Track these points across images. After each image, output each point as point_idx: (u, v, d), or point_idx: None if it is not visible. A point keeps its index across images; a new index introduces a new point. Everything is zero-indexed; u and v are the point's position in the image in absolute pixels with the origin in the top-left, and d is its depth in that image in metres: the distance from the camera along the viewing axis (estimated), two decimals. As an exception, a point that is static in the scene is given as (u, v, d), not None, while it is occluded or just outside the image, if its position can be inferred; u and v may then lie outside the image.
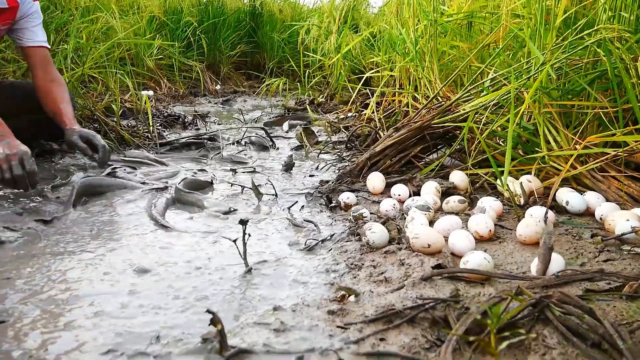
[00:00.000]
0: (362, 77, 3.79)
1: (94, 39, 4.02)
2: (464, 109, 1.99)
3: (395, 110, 3.12)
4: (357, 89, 3.78)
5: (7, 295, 1.18)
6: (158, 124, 3.43)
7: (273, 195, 1.98)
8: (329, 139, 3.04)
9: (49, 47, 2.42)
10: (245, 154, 2.81)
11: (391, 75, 3.62)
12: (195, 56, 6.26)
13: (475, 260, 1.18)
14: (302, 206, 1.86)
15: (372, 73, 3.77)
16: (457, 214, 1.64)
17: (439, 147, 2.19)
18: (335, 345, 0.95)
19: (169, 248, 1.49)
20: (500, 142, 2.05)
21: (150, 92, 4.86)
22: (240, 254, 1.35)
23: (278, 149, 2.96)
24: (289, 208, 1.84)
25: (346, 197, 1.79)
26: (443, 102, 2.10)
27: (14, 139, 1.90)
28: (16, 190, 1.89)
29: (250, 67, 7.48)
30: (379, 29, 4.17)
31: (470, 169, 1.96)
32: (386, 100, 3.27)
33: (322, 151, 2.79)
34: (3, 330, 1.04)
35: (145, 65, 5.19)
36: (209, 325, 0.94)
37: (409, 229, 1.39)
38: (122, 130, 2.82)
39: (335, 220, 1.70)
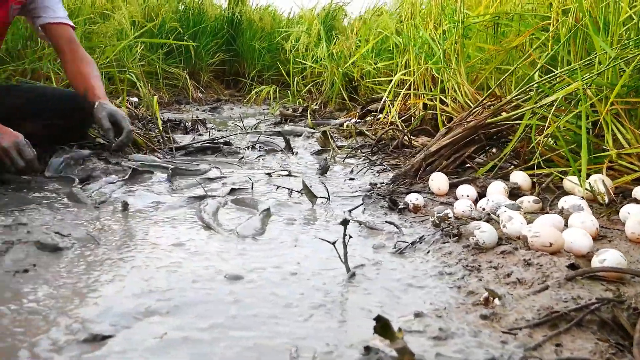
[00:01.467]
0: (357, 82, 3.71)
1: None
2: (521, 108, 1.92)
3: (412, 114, 3.06)
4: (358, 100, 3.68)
5: (98, 311, 1.03)
6: (157, 129, 3.26)
7: (325, 198, 1.86)
8: (352, 144, 2.94)
9: (73, 25, 2.29)
10: (264, 159, 2.68)
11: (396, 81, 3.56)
12: (176, 63, 6.09)
13: (613, 258, 1.10)
14: (364, 209, 1.75)
15: (383, 79, 3.69)
16: (533, 213, 1.56)
17: (486, 148, 2.12)
18: (516, 353, 0.84)
19: (246, 254, 1.35)
20: (555, 143, 1.99)
21: (135, 99, 4.67)
22: (339, 257, 1.23)
23: (297, 153, 2.83)
24: (350, 211, 1.73)
25: (415, 198, 1.69)
26: (494, 102, 2.03)
27: (2, 127, 1.86)
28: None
29: (229, 76, 7.33)
30: (391, 32, 4.11)
31: (528, 169, 1.90)
32: (404, 104, 3.19)
33: (348, 155, 2.68)
34: (108, 350, 0.89)
35: (128, 72, 5.00)
36: (374, 333, 0.82)
37: (512, 227, 1.31)
38: (135, 134, 2.64)
39: (409, 222, 1.60)
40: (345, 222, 1.23)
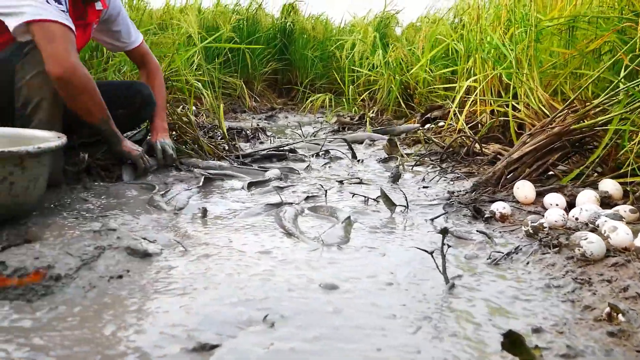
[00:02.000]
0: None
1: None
2: (608, 113, 1.83)
3: (480, 121, 2.98)
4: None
5: (200, 319, 1.01)
6: (220, 137, 3.28)
7: (404, 206, 1.81)
8: (418, 151, 2.89)
9: (142, 39, 2.42)
10: (330, 167, 2.65)
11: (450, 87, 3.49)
12: (231, 73, 6.15)
13: None
14: (446, 218, 1.70)
15: (446, 85, 3.62)
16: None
17: (569, 155, 2.03)
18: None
19: (336, 262, 1.31)
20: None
21: (194, 108, 4.73)
22: (437, 267, 1.18)
23: (362, 161, 2.79)
24: (432, 219, 1.68)
25: (501, 207, 1.62)
26: (579, 107, 1.94)
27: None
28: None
29: (281, 84, 7.37)
30: (455, 39, 4.05)
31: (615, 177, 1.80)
32: (469, 111, 3.11)
33: (417, 163, 2.62)
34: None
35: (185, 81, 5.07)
36: (503, 349, 0.77)
37: (618, 238, 1.23)
38: (202, 141, 2.66)
39: (497, 231, 1.54)
40: (444, 232, 1.18)
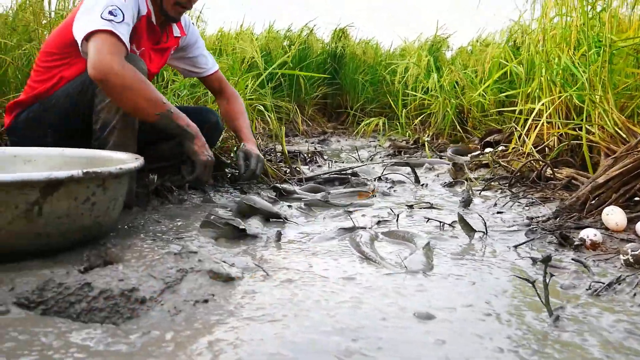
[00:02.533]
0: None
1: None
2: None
3: (547, 144, 2.88)
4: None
5: (297, 348, 0.96)
6: (279, 160, 3.27)
7: (482, 232, 1.74)
8: (485, 176, 2.80)
9: (218, 67, 2.42)
10: (394, 191, 2.59)
11: (512, 110, 3.39)
12: (282, 97, 6.20)
13: None
14: (531, 245, 1.61)
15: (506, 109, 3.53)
16: None
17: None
18: None
19: (426, 290, 1.25)
20: None
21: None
22: (539, 297, 1.11)
23: (427, 185, 2.73)
24: (515, 246, 1.60)
25: (592, 234, 1.54)
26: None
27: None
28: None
29: (331, 109, 7.38)
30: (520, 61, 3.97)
31: None
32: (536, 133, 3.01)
33: (485, 187, 2.54)
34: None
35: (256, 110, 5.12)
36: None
37: None
38: (265, 164, 2.65)
39: (590, 260, 1.45)
40: (547, 260, 1.11)
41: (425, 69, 5.44)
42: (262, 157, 2.27)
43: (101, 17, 1.72)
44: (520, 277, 1.19)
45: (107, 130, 1.82)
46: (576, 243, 1.54)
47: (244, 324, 1.05)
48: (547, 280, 1.11)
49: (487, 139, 3.94)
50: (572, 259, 1.42)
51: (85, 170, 1.34)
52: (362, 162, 3.63)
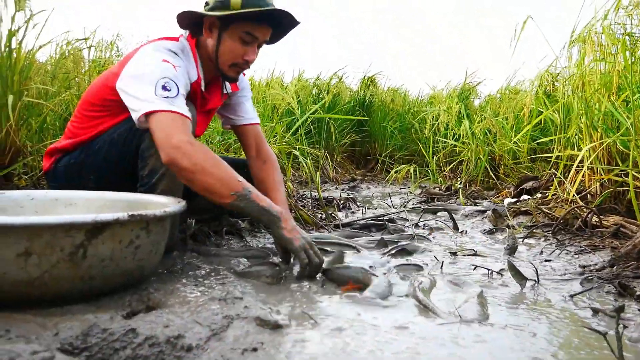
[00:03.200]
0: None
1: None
2: None
3: (589, 191, 2.79)
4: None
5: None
6: (312, 206, 3.23)
7: (534, 281, 1.66)
8: (526, 223, 2.73)
9: (259, 121, 2.23)
10: (433, 237, 2.53)
11: (553, 156, 3.33)
12: (312, 144, 6.22)
13: None
14: (588, 295, 1.53)
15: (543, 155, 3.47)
16: None
17: None
18: None
19: (486, 341, 1.18)
20: None
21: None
22: (612, 350, 1.03)
23: (466, 232, 2.66)
24: (571, 296, 1.52)
25: (655, 283, 1.45)
26: None
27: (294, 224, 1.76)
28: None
29: (360, 156, 7.39)
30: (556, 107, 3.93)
31: None
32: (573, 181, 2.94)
33: (527, 235, 2.46)
34: None
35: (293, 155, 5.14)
36: None
37: None
38: (302, 210, 2.62)
39: (656, 311, 1.36)
40: (620, 310, 1.04)
41: (456, 116, 5.42)
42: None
43: (155, 94, 1.67)
44: (589, 329, 1.11)
45: (155, 177, 1.79)
46: (638, 293, 1.45)
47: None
48: (620, 332, 1.03)
49: (523, 186, 3.87)
50: (639, 310, 1.33)
51: (130, 213, 1.32)
52: (396, 208, 3.57)
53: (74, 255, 1.26)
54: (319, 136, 6.44)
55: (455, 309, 1.36)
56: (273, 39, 1.98)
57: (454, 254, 2.08)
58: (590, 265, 1.81)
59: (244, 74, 2.18)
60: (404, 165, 5.41)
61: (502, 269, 1.79)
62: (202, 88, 1.97)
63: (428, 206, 3.43)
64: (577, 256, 2.02)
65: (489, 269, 1.78)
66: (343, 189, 5.17)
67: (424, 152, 5.55)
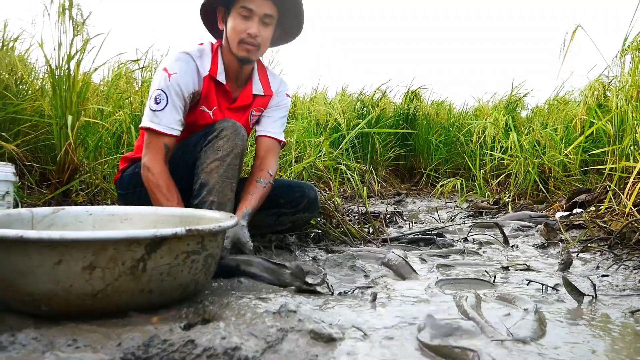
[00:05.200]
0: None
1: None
2: None
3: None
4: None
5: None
6: (358, 221, 3.24)
7: (592, 296, 1.62)
8: (582, 237, 2.66)
9: (283, 141, 2.26)
10: (484, 252, 2.49)
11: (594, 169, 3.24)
12: (357, 159, 6.23)
13: None
14: (648, 310, 1.49)
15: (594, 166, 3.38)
16: None
17: None
18: None
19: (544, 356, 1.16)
20: None
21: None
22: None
23: (517, 246, 2.61)
24: (632, 312, 1.48)
25: None
26: None
27: None
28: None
29: (404, 170, 7.36)
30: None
31: None
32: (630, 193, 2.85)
33: (582, 249, 2.41)
34: None
35: (314, 167, 5.17)
36: None
37: None
38: (350, 225, 2.63)
39: None
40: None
41: (502, 129, 5.35)
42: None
43: (150, 108, 1.94)
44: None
45: (205, 189, 1.86)
46: (703, 309, 1.40)
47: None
48: (687, 349, 1.00)
49: (575, 199, 3.78)
50: None
51: (188, 228, 1.36)
52: (443, 223, 3.54)
53: (134, 269, 1.31)
54: (363, 151, 6.46)
55: (508, 327, 1.34)
56: (289, 26, 2.15)
57: (506, 268, 2.05)
58: (649, 280, 1.76)
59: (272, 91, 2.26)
60: (450, 179, 5.36)
61: (556, 284, 1.75)
62: (222, 80, 2.06)
63: (477, 220, 3.39)
64: (636, 271, 1.96)
65: (543, 284, 1.74)
66: (389, 203, 5.16)
67: (470, 165, 5.48)
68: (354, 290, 1.71)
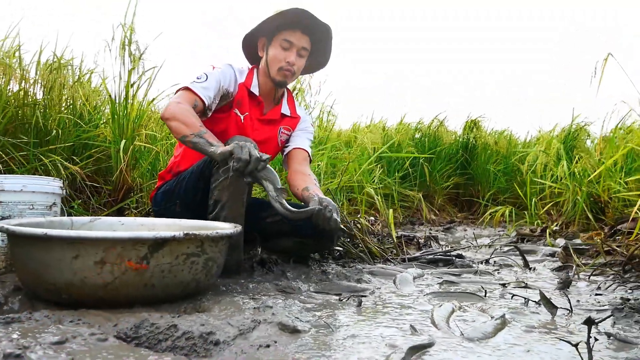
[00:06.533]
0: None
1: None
2: None
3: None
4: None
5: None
6: (389, 242, 3.37)
7: (567, 309, 1.70)
8: (598, 261, 2.68)
9: (311, 157, 2.50)
10: (499, 273, 2.57)
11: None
12: (412, 187, 6.34)
13: None
14: (614, 322, 1.56)
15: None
16: None
17: None
18: None
19: (480, 355, 1.29)
20: None
21: (372, 218, 4.91)
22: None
23: (535, 269, 2.67)
24: (596, 323, 1.55)
25: (678, 312, 1.46)
26: None
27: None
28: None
29: (463, 199, 7.35)
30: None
31: None
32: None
33: (594, 272, 2.44)
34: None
35: (366, 193, 5.33)
36: None
37: None
38: (370, 243, 2.78)
39: (671, 339, 1.38)
40: (589, 322, 1.11)
41: (555, 157, 5.31)
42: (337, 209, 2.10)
43: (190, 81, 2.23)
44: (564, 340, 1.18)
45: (219, 205, 2.09)
46: (661, 322, 1.46)
47: (291, 364, 1.17)
48: (592, 344, 1.11)
49: (618, 227, 3.73)
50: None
51: (185, 232, 1.59)
52: (476, 246, 3.60)
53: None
54: (421, 179, 6.55)
55: (462, 330, 1.47)
56: (319, 57, 2.49)
57: (504, 285, 2.14)
58: (635, 299, 1.81)
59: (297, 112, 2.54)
60: (499, 207, 5.36)
61: (540, 299, 1.84)
62: (256, 92, 2.37)
63: (502, 245, 3.44)
64: (630, 291, 2.00)
65: (525, 298, 1.83)
66: (437, 230, 5.23)
67: (519, 193, 5.46)
68: (349, 298, 1.87)
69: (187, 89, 2.20)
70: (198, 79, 2.23)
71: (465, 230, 5.44)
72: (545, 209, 4.97)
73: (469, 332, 1.44)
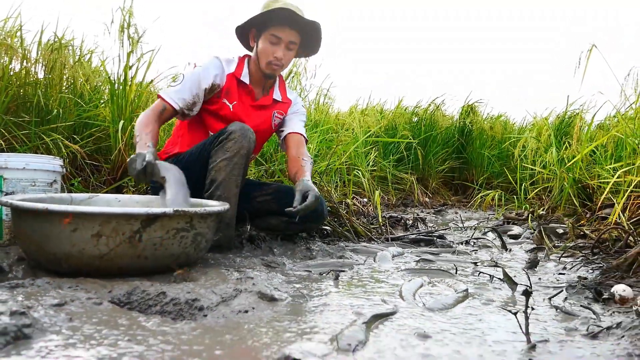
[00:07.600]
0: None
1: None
2: None
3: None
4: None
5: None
6: (371, 223, 3.51)
7: (527, 286, 1.85)
8: (570, 243, 2.83)
9: (306, 138, 2.64)
10: (476, 253, 2.72)
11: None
12: (407, 170, 6.47)
13: None
14: (565, 298, 1.70)
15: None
16: None
17: None
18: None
19: (435, 322, 1.43)
20: None
21: (365, 200, 5.05)
22: (521, 327, 1.25)
23: (510, 250, 2.81)
24: (550, 298, 1.70)
25: (621, 289, 1.60)
26: None
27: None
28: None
29: (457, 182, 7.49)
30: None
31: None
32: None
33: (564, 255, 2.58)
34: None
35: (353, 174, 5.47)
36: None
37: None
38: (355, 223, 2.92)
39: (610, 312, 1.52)
40: (527, 293, 1.26)
41: (545, 143, 5.43)
42: (320, 195, 2.35)
43: (167, 85, 2.37)
44: (506, 310, 1.33)
45: (214, 185, 2.23)
46: (605, 297, 1.61)
47: (265, 327, 1.32)
48: (528, 313, 1.25)
49: (599, 212, 3.87)
50: (582, 306, 1.50)
51: (175, 209, 1.73)
52: (458, 228, 3.75)
53: (132, 239, 1.69)
54: (415, 162, 6.68)
55: (425, 302, 1.61)
56: (310, 47, 2.58)
57: (475, 264, 2.28)
58: (593, 278, 1.95)
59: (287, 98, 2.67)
60: (489, 192, 5.49)
61: (503, 276, 1.98)
62: (246, 81, 2.49)
63: (481, 226, 3.58)
64: (592, 271, 2.14)
65: (491, 275, 1.98)
66: (429, 212, 5.37)
67: (509, 178, 5.59)
68: (328, 272, 2.02)
69: (159, 97, 2.37)
70: (175, 82, 2.39)
71: (457, 213, 5.59)
72: (534, 192, 5.10)
73: (431, 304, 1.59)
